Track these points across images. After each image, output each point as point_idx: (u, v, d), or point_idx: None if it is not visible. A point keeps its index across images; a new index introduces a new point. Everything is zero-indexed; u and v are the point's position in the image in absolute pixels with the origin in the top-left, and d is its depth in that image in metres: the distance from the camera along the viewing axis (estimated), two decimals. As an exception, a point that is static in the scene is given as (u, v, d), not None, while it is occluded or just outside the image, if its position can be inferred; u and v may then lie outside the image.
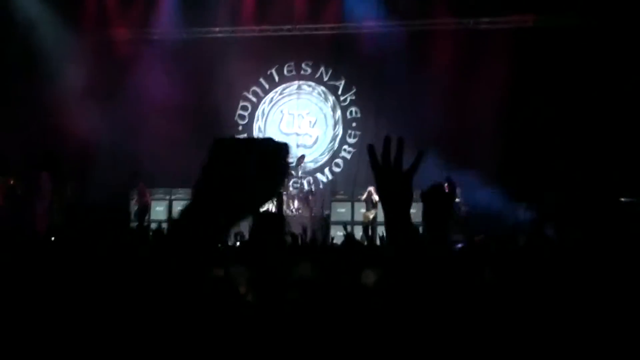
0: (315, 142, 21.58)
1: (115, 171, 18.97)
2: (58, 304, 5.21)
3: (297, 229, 14.56)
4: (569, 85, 17.87)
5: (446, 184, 17.67)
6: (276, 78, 21.90)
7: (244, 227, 16.24)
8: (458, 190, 18.03)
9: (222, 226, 1.59)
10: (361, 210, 18.54)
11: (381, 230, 16.81)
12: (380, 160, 2.32)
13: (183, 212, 1.62)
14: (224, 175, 1.64)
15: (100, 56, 20.15)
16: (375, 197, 18.17)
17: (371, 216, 18.14)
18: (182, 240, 1.54)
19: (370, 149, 2.30)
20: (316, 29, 20.68)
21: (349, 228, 13.85)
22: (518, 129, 18.18)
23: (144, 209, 18.61)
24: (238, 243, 11.47)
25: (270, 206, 18.70)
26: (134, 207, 18.78)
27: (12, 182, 18.06)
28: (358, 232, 17.19)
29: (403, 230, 2.26)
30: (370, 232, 17.18)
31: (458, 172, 17.86)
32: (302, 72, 21.78)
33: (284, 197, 18.96)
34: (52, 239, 10.00)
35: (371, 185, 18.40)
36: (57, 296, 5.30)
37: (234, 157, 1.64)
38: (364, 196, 18.42)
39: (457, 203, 17.94)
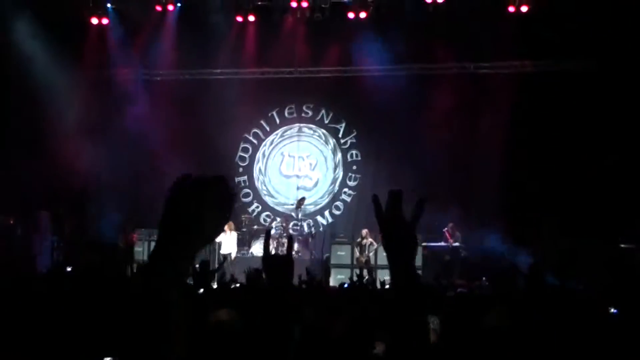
0: (315, 185, 21.59)
1: (115, 210, 18.97)
2: (60, 340, 5.22)
3: (296, 272, 14.51)
4: (569, 128, 17.91)
5: (448, 228, 17.73)
6: (277, 120, 21.97)
7: (231, 270, 16.24)
8: (458, 234, 18.03)
9: (186, 255, 1.76)
10: (355, 254, 18.56)
11: (381, 275, 16.81)
12: (384, 211, 2.32)
13: (154, 249, 1.78)
14: (184, 209, 1.81)
15: (101, 95, 20.24)
16: (371, 239, 18.21)
17: (364, 259, 18.14)
18: (157, 273, 1.71)
19: (375, 199, 2.31)
20: (317, 72, 20.76)
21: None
22: (519, 172, 18.18)
23: (128, 250, 18.65)
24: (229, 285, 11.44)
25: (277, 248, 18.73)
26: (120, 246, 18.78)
27: (11, 221, 18.04)
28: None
29: (407, 277, 2.25)
30: (366, 275, 17.09)
31: (459, 217, 17.88)
32: (303, 114, 21.86)
33: (285, 240, 18.94)
34: (51, 278, 9.99)
35: (365, 228, 18.42)
36: (58, 333, 5.31)
37: (192, 193, 1.86)
38: (359, 239, 18.47)
39: (458, 247, 17.92)
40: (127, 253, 18.47)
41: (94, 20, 20.59)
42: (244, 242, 19.33)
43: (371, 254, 18.23)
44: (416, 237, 2.30)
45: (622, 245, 16.14)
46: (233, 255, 18.41)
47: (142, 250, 19.03)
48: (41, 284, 8.34)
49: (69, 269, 12.85)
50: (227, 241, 18.38)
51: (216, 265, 17.37)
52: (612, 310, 6.51)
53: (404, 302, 2.21)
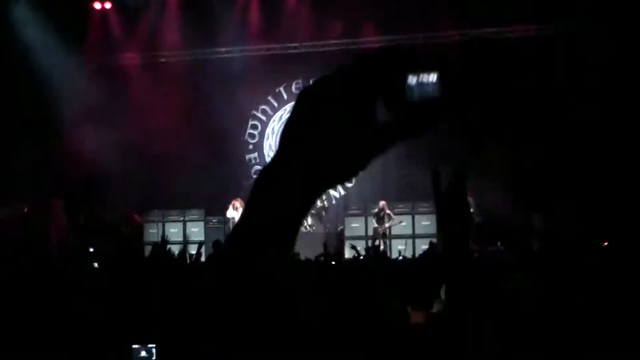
0: (325, 159, 21.57)
1: (128, 194, 19.09)
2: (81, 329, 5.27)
3: (311, 246, 14.56)
4: (575, 91, 17.81)
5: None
6: (285, 96, 21.93)
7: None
8: (472, 200, 18.03)
9: (307, 196, 1.27)
10: (373, 224, 18.50)
11: (399, 244, 16.88)
12: (444, 188, 2.32)
13: (258, 180, 1.28)
14: (310, 128, 1.25)
15: (108, 80, 20.23)
16: (388, 211, 18.19)
17: (381, 230, 18.13)
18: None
19: (435, 175, 2.27)
20: (323, 46, 20.69)
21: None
22: (531, 136, 18.10)
23: (135, 234, 18.68)
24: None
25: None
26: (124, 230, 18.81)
27: (26, 210, 18.14)
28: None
29: (463, 253, 2.30)
30: (381, 246, 17.12)
31: (472, 182, 17.84)
32: (309, 89, 21.79)
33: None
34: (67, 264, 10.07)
35: (383, 199, 18.42)
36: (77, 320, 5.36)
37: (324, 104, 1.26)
38: (376, 210, 18.40)
39: (471, 212, 17.92)
40: (137, 236, 18.52)
41: (97, 5, 20.60)
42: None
43: (387, 225, 18.21)
44: (471, 214, 2.31)
45: None
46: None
47: (156, 232, 19.08)
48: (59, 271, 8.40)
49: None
50: (237, 217, 18.42)
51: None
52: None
53: (459, 274, 2.26)
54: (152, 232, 18.88)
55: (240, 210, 18.14)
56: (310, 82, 1.30)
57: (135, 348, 4.92)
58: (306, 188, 1.25)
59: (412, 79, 1.19)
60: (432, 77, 1.18)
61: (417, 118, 1.22)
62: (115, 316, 5.30)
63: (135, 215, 19.00)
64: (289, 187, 1.24)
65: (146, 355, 4.91)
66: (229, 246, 1.30)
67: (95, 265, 10.49)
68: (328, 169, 1.24)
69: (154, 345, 4.92)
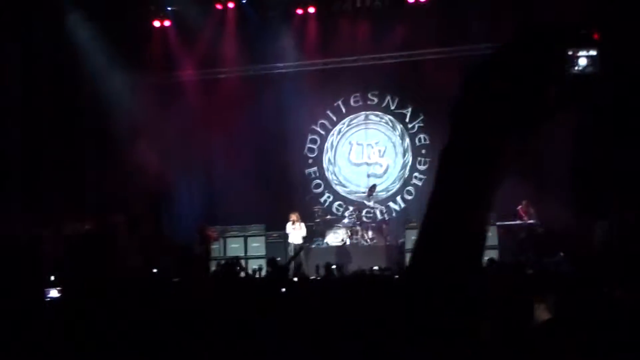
0: (385, 171, 21.56)
1: (191, 210, 19.29)
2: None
3: (371, 259, 14.55)
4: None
5: (522, 206, 17.49)
6: (343, 109, 21.98)
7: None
8: (532, 211, 17.82)
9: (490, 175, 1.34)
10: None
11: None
12: None
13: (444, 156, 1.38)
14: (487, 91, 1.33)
15: (169, 98, 20.42)
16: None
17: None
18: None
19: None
20: (380, 58, 20.68)
21: None
22: (586, 143, 17.68)
23: (206, 250, 18.66)
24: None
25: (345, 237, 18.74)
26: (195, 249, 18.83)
27: (87, 227, 18.32)
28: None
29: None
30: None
31: (532, 194, 17.63)
32: (368, 102, 21.83)
33: (358, 228, 18.99)
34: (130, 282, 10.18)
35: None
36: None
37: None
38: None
39: (533, 224, 17.72)
40: (208, 252, 18.56)
41: (156, 23, 20.91)
42: (317, 233, 19.40)
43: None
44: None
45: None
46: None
47: (238, 247, 19.18)
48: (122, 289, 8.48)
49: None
50: (295, 232, 18.46)
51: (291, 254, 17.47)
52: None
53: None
54: (215, 248, 19.01)
55: (298, 224, 18.28)
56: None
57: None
58: (486, 166, 1.33)
59: (573, 54, 1.31)
60: (592, 52, 1.31)
61: (577, 90, 1.33)
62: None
63: (210, 232, 18.95)
64: (472, 167, 1.33)
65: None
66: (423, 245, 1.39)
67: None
68: (505, 142, 1.32)
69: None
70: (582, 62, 1.32)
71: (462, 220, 1.33)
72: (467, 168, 1.33)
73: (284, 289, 7.85)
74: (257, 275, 11.64)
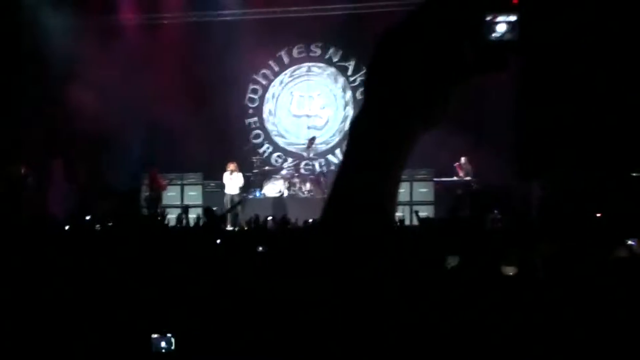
0: (326, 124, 21.56)
1: (127, 156, 19.04)
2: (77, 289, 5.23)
3: (309, 211, 14.59)
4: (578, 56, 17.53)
5: (459, 162, 17.70)
6: (286, 60, 21.86)
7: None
8: (469, 168, 18.03)
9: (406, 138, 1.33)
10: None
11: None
12: None
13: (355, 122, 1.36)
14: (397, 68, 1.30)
15: (109, 41, 20.03)
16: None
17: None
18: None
19: None
20: (325, 10, 20.52)
21: None
22: (531, 104, 17.88)
23: (156, 197, 18.49)
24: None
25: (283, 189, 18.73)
26: (144, 194, 18.66)
27: (23, 170, 18.02)
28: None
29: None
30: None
31: (471, 150, 17.83)
32: (311, 53, 21.74)
33: (296, 180, 19.00)
34: (67, 226, 10.05)
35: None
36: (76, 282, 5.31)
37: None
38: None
39: (469, 181, 17.94)
40: (158, 200, 18.41)
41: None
42: (255, 184, 19.36)
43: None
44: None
45: (633, 174, 16.01)
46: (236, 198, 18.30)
47: (175, 195, 19.07)
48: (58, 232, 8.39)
49: (87, 217, 12.87)
50: (232, 182, 18.38)
51: (228, 205, 17.45)
52: (630, 241, 6.52)
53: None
54: (172, 195, 18.93)
55: (235, 174, 18.18)
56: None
57: (155, 338, 4.78)
58: (403, 130, 1.32)
59: (492, 19, 1.26)
60: (511, 18, 1.26)
61: (494, 56, 1.28)
62: (134, 295, 5.13)
63: (160, 180, 18.73)
64: (386, 131, 1.31)
65: (165, 345, 4.78)
66: (331, 206, 1.36)
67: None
68: (420, 106, 1.30)
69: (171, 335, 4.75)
70: (501, 28, 1.27)
71: (372, 181, 1.33)
72: (379, 132, 1.32)
73: (218, 240, 7.82)
74: (183, 223, 11.52)
